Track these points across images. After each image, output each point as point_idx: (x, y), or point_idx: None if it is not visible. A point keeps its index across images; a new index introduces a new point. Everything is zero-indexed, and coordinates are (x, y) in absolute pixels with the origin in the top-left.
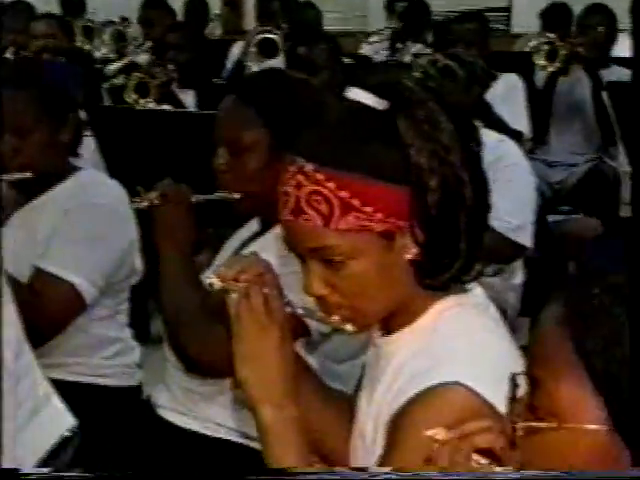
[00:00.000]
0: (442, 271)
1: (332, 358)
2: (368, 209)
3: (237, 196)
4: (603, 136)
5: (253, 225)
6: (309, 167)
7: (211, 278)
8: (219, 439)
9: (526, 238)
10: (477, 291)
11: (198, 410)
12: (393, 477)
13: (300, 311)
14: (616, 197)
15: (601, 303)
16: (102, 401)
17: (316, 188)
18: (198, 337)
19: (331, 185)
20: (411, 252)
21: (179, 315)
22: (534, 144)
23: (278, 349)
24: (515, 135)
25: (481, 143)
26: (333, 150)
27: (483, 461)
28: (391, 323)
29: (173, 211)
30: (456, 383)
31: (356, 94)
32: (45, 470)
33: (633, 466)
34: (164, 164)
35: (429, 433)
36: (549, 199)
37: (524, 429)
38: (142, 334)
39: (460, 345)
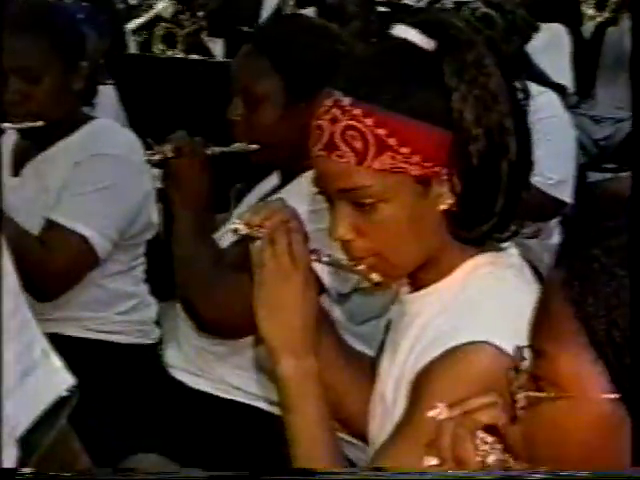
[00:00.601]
0: (477, 224)
1: (352, 319)
2: (405, 150)
3: (254, 147)
4: None
5: (274, 179)
6: (346, 101)
7: (236, 223)
8: (232, 401)
9: (567, 194)
10: (512, 251)
11: (210, 370)
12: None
13: (325, 258)
14: None
15: (603, 266)
16: (115, 358)
17: (352, 123)
18: (210, 296)
19: (368, 121)
20: (446, 202)
21: (191, 272)
22: (579, 98)
23: (301, 296)
24: (558, 88)
25: (529, 93)
26: (373, 85)
27: (489, 439)
28: (419, 278)
29: (187, 164)
30: (484, 342)
31: (402, 31)
32: (45, 470)
33: (633, 466)
34: (187, 115)
35: (431, 414)
36: (594, 156)
37: (524, 400)
38: (163, 290)
39: (490, 304)
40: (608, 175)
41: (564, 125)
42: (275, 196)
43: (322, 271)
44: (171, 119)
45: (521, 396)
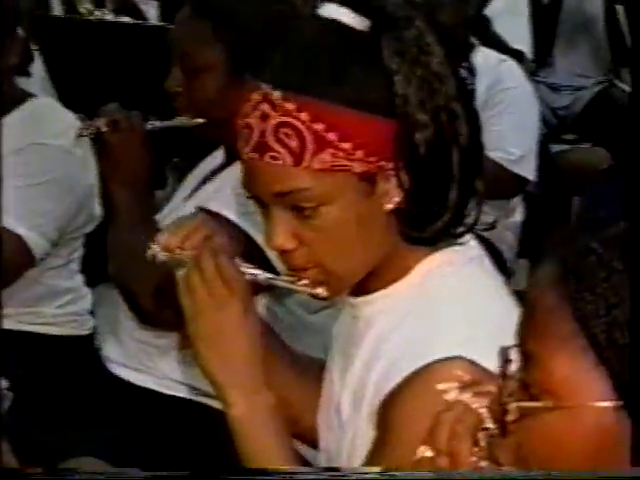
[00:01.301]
0: (430, 222)
1: (304, 307)
2: (346, 145)
3: (197, 122)
4: (614, 56)
5: (219, 156)
6: (277, 94)
7: (152, 249)
8: (177, 398)
9: (529, 170)
10: (470, 243)
11: (153, 366)
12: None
13: (262, 276)
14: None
15: (600, 259)
16: (48, 352)
17: (285, 119)
18: (151, 284)
19: (303, 116)
20: (393, 199)
21: (130, 258)
22: (536, 65)
23: (242, 323)
24: (516, 55)
25: (474, 72)
26: (305, 74)
27: (491, 425)
28: (369, 284)
29: (124, 139)
30: (457, 357)
31: (332, 11)
32: (45, 470)
33: (633, 466)
34: (121, 86)
35: (440, 387)
36: (552, 127)
37: (516, 411)
38: (97, 274)
39: (456, 311)
40: (567, 147)
41: (527, 96)
42: (221, 174)
43: (273, 258)
44: (103, 90)
45: (513, 406)
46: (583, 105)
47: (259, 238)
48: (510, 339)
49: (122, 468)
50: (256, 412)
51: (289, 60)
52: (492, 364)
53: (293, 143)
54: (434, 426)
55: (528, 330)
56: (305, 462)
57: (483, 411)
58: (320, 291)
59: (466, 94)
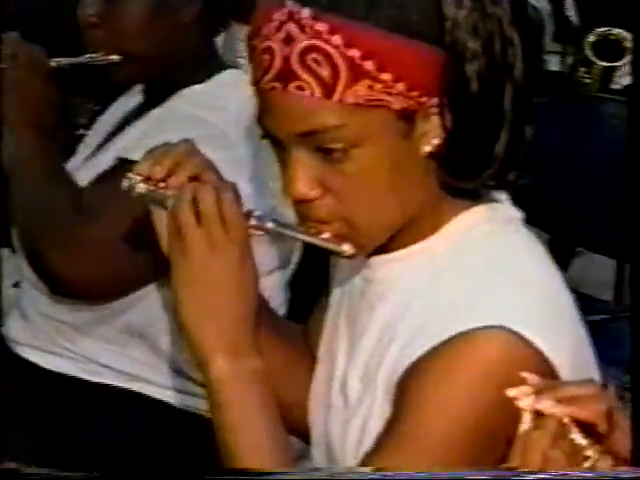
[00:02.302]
0: (475, 170)
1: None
2: (385, 76)
3: (115, 58)
4: None
5: (134, 97)
6: (305, 12)
7: (129, 178)
8: (100, 384)
9: None
10: (507, 201)
11: (70, 346)
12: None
13: (270, 224)
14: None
15: None
16: None
17: (315, 43)
18: (68, 247)
19: (336, 39)
20: (433, 142)
21: (40, 216)
22: None
23: (237, 275)
24: None
25: None
26: None
27: (583, 441)
28: (396, 239)
29: (26, 78)
30: (499, 327)
31: None
32: (45, 470)
33: (633, 466)
34: (21, 13)
35: (512, 393)
36: None
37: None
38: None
39: (499, 274)
40: None
41: None
42: (143, 118)
43: None
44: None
45: None
46: None
47: None
48: (558, 309)
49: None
50: (240, 378)
51: None
52: (539, 338)
53: (324, 71)
54: (522, 447)
55: None
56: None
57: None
58: (346, 248)
59: (523, 20)
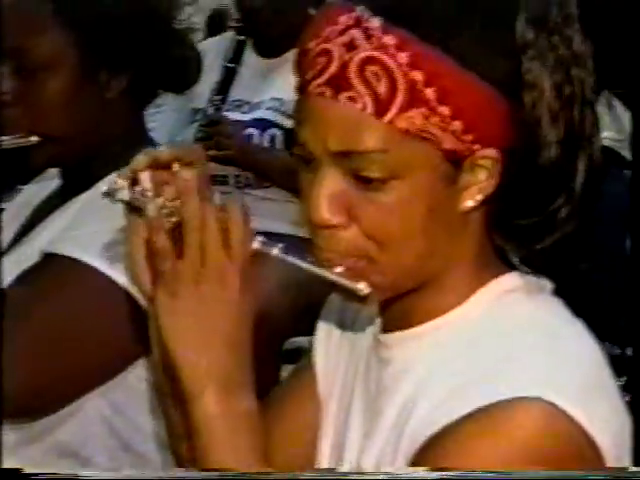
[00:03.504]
0: (536, 236)
1: None
2: (444, 110)
3: (33, 140)
4: None
5: (49, 182)
6: (375, 22)
7: (114, 181)
8: None
9: None
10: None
11: None
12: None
13: (276, 251)
14: None
15: None
16: None
17: (378, 55)
18: None
19: (402, 57)
20: (477, 196)
21: None
22: None
23: (235, 304)
24: None
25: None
26: (419, 8)
27: None
28: (409, 313)
29: None
30: (537, 399)
31: None
32: (46, 471)
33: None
34: None
35: None
36: None
37: None
38: None
39: (537, 344)
40: None
41: None
42: (67, 207)
43: None
44: None
45: None
46: None
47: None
48: (601, 383)
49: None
50: (229, 418)
51: None
52: (579, 411)
53: (381, 87)
54: None
55: None
56: None
57: None
58: (362, 287)
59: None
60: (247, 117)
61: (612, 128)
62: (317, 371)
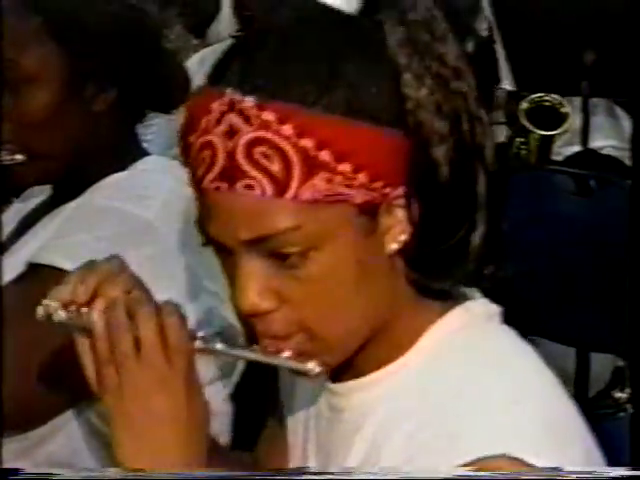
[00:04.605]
0: (451, 267)
1: None
2: (344, 167)
3: (19, 158)
4: None
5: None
6: (249, 102)
7: (45, 305)
8: None
9: None
10: (477, 295)
11: None
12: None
13: (219, 346)
14: None
15: None
16: None
17: (262, 135)
18: None
19: (286, 129)
20: (400, 238)
21: None
22: None
23: (186, 413)
24: None
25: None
26: (286, 74)
27: None
28: (358, 361)
29: None
30: (502, 456)
31: None
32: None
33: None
34: None
35: None
36: None
37: None
38: None
39: (491, 391)
40: None
41: None
42: (53, 217)
43: None
44: None
45: None
46: None
47: None
48: (564, 421)
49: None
50: None
51: (263, 56)
52: (543, 460)
53: (274, 166)
54: None
55: None
56: None
57: None
58: (311, 366)
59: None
60: None
61: (614, 137)
62: (286, 419)
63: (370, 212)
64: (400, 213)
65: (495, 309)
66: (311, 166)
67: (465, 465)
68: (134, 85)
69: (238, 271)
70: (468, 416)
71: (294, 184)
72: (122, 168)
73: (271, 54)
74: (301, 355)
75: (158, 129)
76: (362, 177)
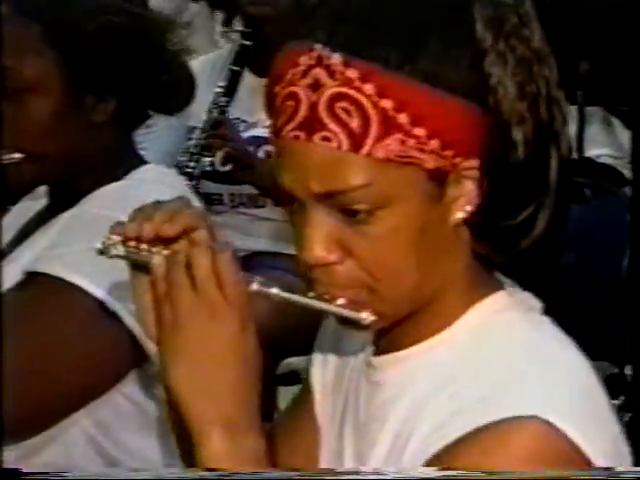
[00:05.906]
0: (514, 242)
1: None
2: (420, 132)
3: (17, 157)
4: None
5: (32, 203)
6: (335, 58)
7: (109, 239)
8: None
9: None
10: (516, 287)
11: None
12: None
13: (275, 290)
14: None
15: None
16: None
17: (344, 90)
18: None
19: (368, 88)
20: (466, 208)
21: None
22: None
23: (237, 345)
24: None
25: None
26: (374, 35)
27: None
28: (410, 332)
29: None
30: (533, 417)
31: None
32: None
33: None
34: None
35: None
36: None
37: None
38: None
39: (528, 365)
40: None
41: None
42: (51, 225)
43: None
44: None
45: None
46: None
47: (129, 320)
48: (593, 401)
49: None
50: (236, 459)
51: (352, 16)
52: (573, 429)
53: (353, 122)
54: None
55: None
56: None
57: None
58: (365, 316)
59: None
60: (244, 135)
61: (610, 145)
62: (315, 398)
63: (439, 179)
64: (469, 185)
65: (537, 302)
66: (388, 126)
67: (499, 422)
68: (134, 94)
69: (307, 224)
70: (504, 383)
71: (369, 141)
72: (118, 177)
73: (361, 15)
74: (356, 305)
75: (157, 135)
76: (434, 143)
